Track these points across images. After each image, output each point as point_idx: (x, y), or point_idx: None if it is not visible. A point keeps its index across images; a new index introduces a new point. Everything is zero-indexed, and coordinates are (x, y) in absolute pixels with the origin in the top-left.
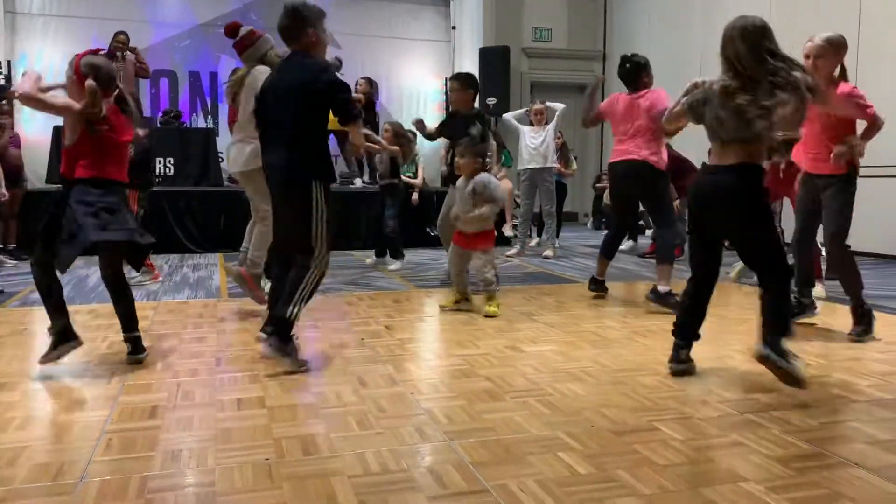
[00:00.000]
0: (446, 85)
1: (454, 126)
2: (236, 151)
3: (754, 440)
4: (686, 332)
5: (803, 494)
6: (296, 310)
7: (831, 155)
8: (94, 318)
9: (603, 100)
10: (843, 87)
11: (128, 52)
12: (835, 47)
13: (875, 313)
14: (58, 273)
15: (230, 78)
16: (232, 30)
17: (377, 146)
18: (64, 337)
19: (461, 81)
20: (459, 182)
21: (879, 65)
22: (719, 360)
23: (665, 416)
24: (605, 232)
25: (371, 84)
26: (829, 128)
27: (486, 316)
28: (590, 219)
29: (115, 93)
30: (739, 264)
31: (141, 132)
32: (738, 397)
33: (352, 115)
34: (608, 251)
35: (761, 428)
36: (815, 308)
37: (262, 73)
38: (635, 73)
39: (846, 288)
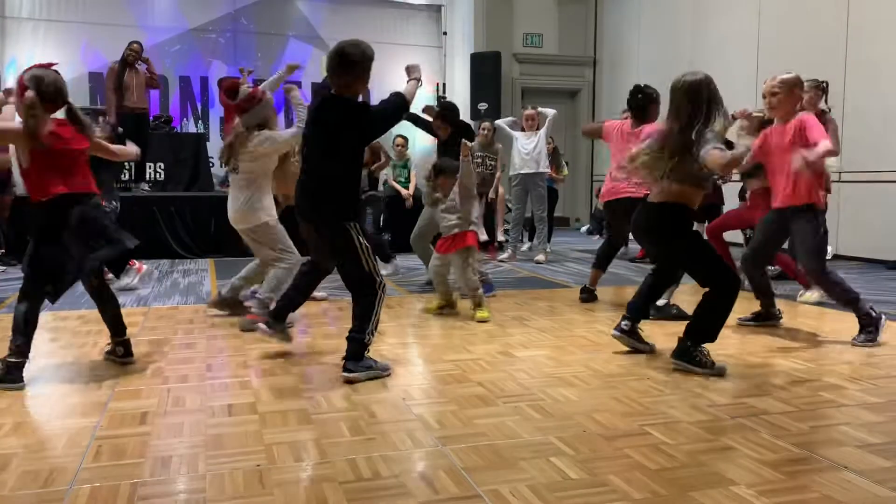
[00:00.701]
0: (437, 90)
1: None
2: (237, 206)
3: (745, 444)
4: (636, 312)
5: (793, 498)
6: (371, 337)
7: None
8: (83, 323)
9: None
10: (798, 117)
11: (140, 62)
12: (788, 86)
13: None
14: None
15: (228, 138)
16: (230, 90)
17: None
18: (14, 374)
19: (442, 119)
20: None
21: (866, 73)
22: None
23: (656, 420)
24: (597, 238)
25: None
26: (787, 163)
27: (479, 321)
28: (585, 224)
29: (64, 106)
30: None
31: (99, 129)
32: (728, 402)
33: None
34: (602, 263)
35: (752, 432)
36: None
37: (264, 140)
38: (644, 105)
39: (842, 304)
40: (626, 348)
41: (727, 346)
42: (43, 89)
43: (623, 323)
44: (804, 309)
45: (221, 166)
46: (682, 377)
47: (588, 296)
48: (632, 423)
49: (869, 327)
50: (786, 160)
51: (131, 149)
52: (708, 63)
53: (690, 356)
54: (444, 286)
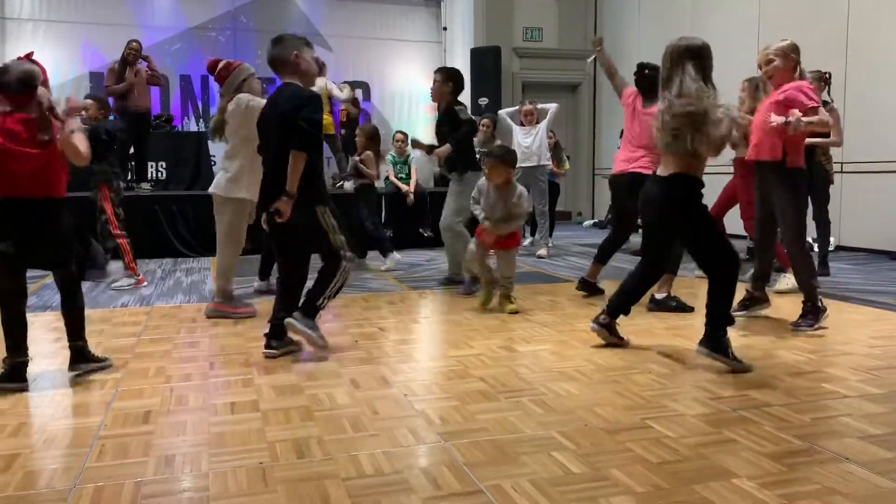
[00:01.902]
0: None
1: (442, 127)
2: (218, 174)
3: (746, 437)
4: (615, 308)
5: (795, 490)
6: (326, 300)
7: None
8: (87, 323)
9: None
10: (786, 86)
11: (140, 60)
12: (784, 54)
13: (863, 308)
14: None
15: (212, 120)
16: (212, 66)
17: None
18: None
19: (443, 74)
20: (488, 188)
21: (869, 64)
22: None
23: (658, 414)
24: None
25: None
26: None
27: (511, 313)
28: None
29: (33, 99)
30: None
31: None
32: (730, 394)
33: (300, 144)
34: (603, 256)
35: (753, 424)
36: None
37: (241, 100)
38: (655, 80)
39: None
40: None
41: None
42: (5, 80)
43: (602, 317)
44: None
45: (211, 139)
46: (684, 370)
47: (584, 287)
48: (634, 417)
49: (811, 315)
50: (765, 119)
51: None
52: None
53: (724, 349)
54: (489, 271)
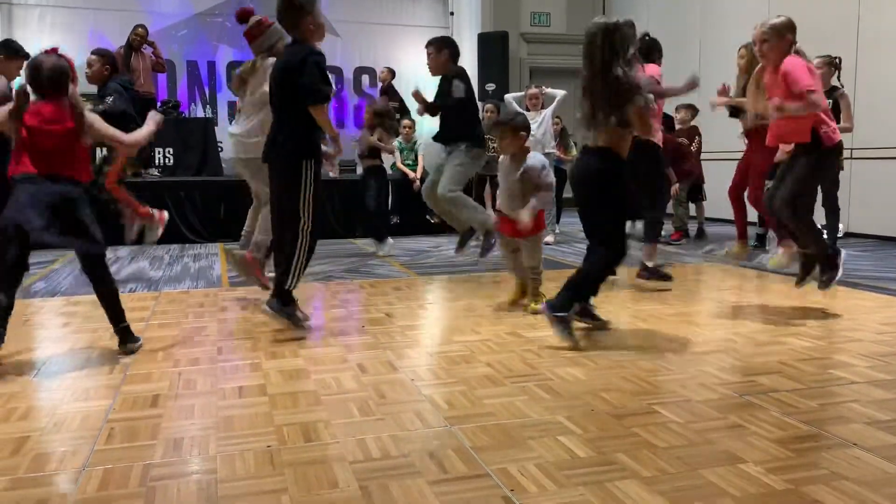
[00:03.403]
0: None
1: (439, 91)
2: (235, 140)
3: (753, 422)
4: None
5: (802, 475)
6: (294, 280)
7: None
8: (95, 307)
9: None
10: (784, 65)
11: (146, 46)
12: (778, 32)
13: (872, 295)
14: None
15: (240, 68)
16: (242, 15)
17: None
18: None
19: (435, 45)
20: (503, 162)
21: (879, 50)
22: (718, 343)
23: (664, 399)
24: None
25: (392, 73)
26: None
27: (533, 313)
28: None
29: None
30: (732, 244)
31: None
32: (737, 380)
33: (312, 96)
34: (649, 234)
35: (760, 410)
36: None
37: (271, 64)
38: (650, 48)
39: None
40: (634, 329)
41: (736, 325)
42: (37, 77)
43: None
44: (812, 286)
45: (235, 94)
46: (691, 356)
47: (653, 274)
48: (640, 402)
49: (828, 267)
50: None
51: (137, 135)
52: (718, 40)
53: (567, 311)
54: (522, 270)
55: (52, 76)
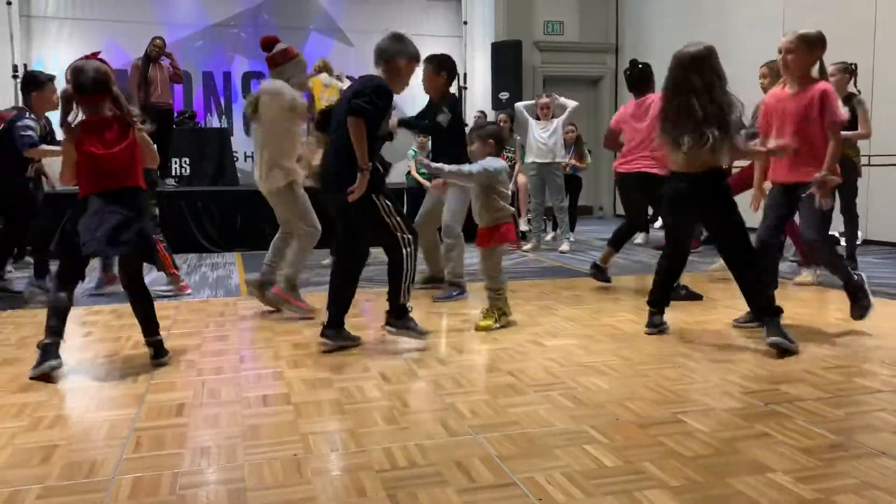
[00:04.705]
0: (458, 81)
1: (425, 112)
2: (260, 171)
3: (780, 431)
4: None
5: (832, 485)
6: (407, 296)
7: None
8: (116, 317)
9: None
10: (818, 86)
11: (163, 57)
12: (808, 44)
13: (893, 302)
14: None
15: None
16: (267, 44)
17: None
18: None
19: (434, 64)
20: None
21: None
22: (740, 351)
23: (689, 408)
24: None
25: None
26: (803, 133)
27: (477, 329)
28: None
29: (110, 97)
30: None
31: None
32: (762, 388)
33: (353, 111)
34: (617, 242)
35: (787, 418)
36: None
37: (279, 86)
38: (647, 75)
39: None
40: (655, 337)
41: (757, 333)
42: (81, 80)
43: (655, 318)
44: (833, 295)
45: (247, 116)
46: (712, 364)
47: (596, 271)
48: (665, 411)
49: (861, 296)
50: (802, 128)
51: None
52: (732, 49)
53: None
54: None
55: (95, 77)
